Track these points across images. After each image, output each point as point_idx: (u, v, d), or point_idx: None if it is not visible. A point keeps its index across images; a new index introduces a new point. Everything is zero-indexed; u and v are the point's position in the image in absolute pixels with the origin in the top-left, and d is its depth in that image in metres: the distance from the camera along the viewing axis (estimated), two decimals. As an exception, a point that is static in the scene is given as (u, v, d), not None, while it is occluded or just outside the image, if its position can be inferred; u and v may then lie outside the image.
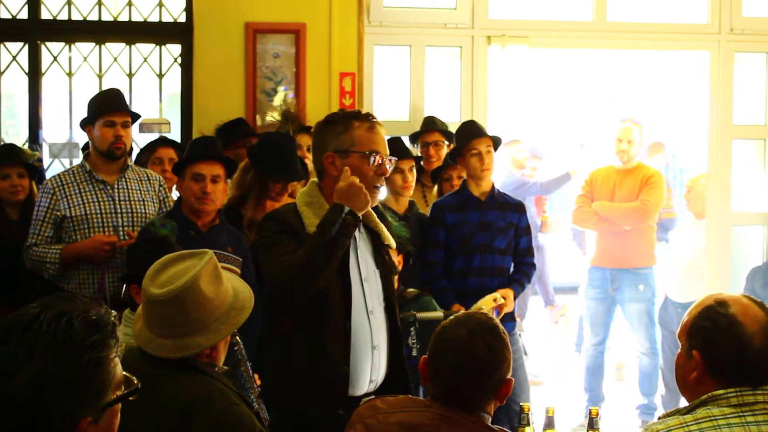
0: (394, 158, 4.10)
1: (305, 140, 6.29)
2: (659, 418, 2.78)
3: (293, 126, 6.66)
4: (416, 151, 6.82)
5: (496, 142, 6.06)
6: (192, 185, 5.16)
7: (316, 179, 4.10)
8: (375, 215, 4.12)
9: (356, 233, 4.01)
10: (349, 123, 3.99)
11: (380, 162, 3.97)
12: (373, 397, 3.66)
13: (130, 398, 2.22)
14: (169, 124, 7.19)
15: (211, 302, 3.05)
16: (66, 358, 2.05)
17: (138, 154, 6.48)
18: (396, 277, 4.42)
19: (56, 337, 2.06)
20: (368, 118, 4.03)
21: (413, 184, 6.11)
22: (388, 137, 6.36)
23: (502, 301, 5.73)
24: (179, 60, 7.29)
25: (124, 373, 2.21)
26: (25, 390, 2.00)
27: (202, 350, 3.05)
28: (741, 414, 2.68)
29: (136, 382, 2.24)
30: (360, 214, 3.88)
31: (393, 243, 4.15)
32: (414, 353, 4.93)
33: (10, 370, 2.01)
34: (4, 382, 2.01)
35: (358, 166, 3.93)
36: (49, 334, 2.06)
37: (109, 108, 5.50)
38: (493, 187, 6.10)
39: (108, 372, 2.12)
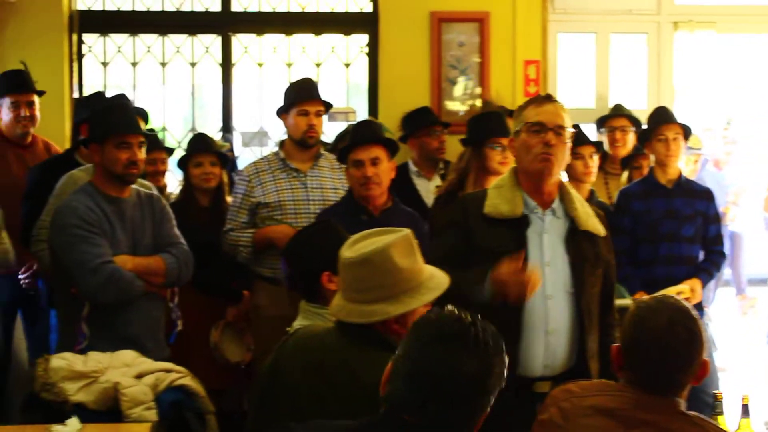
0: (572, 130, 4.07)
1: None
2: None
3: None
4: (602, 137, 6.78)
5: (686, 131, 5.97)
6: (354, 172, 5.11)
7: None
8: (575, 199, 4.11)
9: (549, 216, 4.02)
10: (524, 107, 4.05)
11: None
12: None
13: None
14: (355, 113, 7.32)
15: (401, 272, 3.09)
16: (499, 354, 2.40)
17: (335, 142, 6.61)
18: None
19: (494, 337, 2.40)
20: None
21: (595, 170, 6.07)
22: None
23: (689, 295, 5.64)
24: (365, 50, 7.43)
25: None
26: (477, 373, 2.33)
27: (387, 317, 3.08)
28: None
29: None
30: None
31: (597, 230, 4.09)
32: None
33: (471, 353, 2.34)
34: (465, 362, 2.33)
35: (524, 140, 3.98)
36: (489, 332, 2.40)
37: (303, 97, 5.63)
38: (680, 174, 6.02)
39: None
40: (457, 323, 2.38)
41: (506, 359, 2.40)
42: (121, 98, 5.91)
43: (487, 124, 5.61)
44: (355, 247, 3.12)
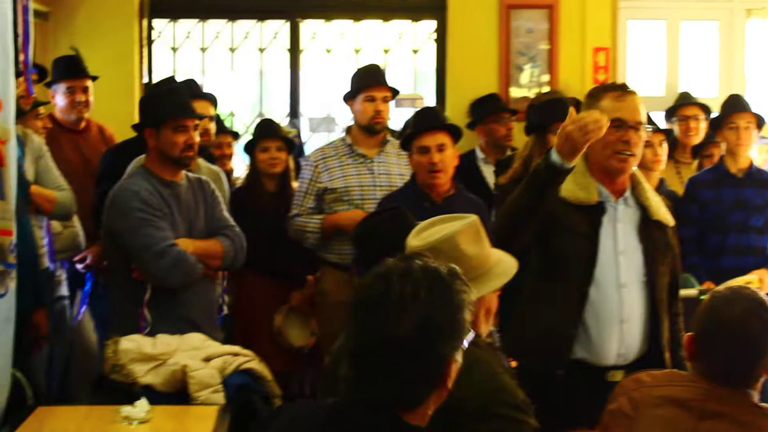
0: (649, 127, 4.00)
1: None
2: None
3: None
4: (672, 125, 6.70)
5: (759, 120, 5.89)
6: (420, 159, 5.11)
7: None
8: (647, 188, 4.07)
9: (621, 205, 3.99)
10: (599, 96, 3.94)
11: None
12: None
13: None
14: (422, 99, 7.31)
15: (469, 260, 3.05)
16: (441, 302, 2.22)
17: (403, 129, 6.60)
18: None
19: (432, 284, 2.22)
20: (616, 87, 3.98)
21: (664, 158, 6.00)
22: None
23: (757, 285, 5.56)
24: (433, 36, 7.41)
25: None
26: (412, 332, 2.16)
27: None
28: None
29: None
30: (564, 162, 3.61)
31: (666, 219, 4.07)
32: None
33: (398, 314, 2.17)
34: (394, 326, 2.16)
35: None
36: (425, 281, 2.22)
37: (369, 83, 5.64)
38: (751, 163, 5.93)
39: (466, 315, 2.29)
40: (378, 284, 2.22)
41: (463, 297, 2.26)
42: (190, 83, 5.95)
43: (549, 110, 5.57)
44: (422, 235, 3.10)
